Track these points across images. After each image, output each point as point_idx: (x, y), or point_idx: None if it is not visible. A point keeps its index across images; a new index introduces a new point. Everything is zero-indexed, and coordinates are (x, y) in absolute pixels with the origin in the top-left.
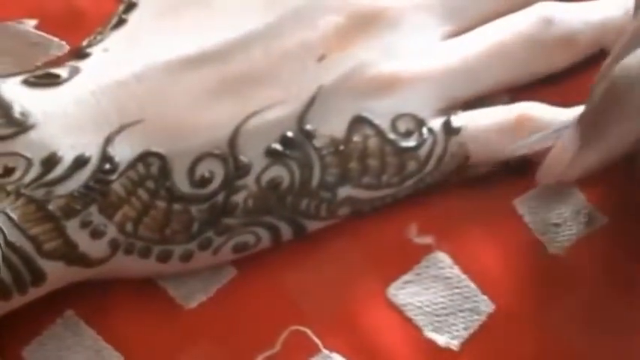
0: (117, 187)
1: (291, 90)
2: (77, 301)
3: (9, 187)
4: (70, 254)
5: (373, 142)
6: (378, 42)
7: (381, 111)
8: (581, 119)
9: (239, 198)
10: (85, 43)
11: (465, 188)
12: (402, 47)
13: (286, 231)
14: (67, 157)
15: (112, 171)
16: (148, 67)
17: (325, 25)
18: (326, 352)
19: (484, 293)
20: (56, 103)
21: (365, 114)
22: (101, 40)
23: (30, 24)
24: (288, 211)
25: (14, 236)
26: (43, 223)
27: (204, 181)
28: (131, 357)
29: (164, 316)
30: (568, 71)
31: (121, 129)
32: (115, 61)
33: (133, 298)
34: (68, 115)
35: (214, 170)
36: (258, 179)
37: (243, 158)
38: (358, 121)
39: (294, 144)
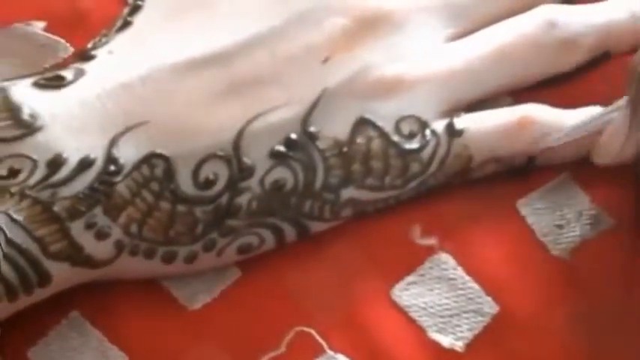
0: (121, 188)
1: (295, 92)
2: (82, 302)
3: (13, 189)
4: (76, 255)
5: (376, 144)
6: (383, 44)
7: (384, 113)
8: (630, 101)
9: (243, 200)
10: (89, 45)
11: (467, 190)
12: (406, 49)
13: (290, 232)
14: (72, 158)
15: (117, 173)
16: (153, 69)
17: (330, 28)
18: (331, 352)
19: (488, 294)
20: (61, 105)
21: (368, 116)
22: (106, 43)
23: (38, 26)
24: (292, 213)
25: (20, 237)
26: (49, 224)
27: (209, 183)
28: (136, 358)
29: (169, 316)
30: (570, 74)
31: (126, 131)
32: (119, 63)
33: (137, 299)
34: (73, 117)
35: (218, 172)
36: (262, 181)
37: (247, 160)
38: (362, 123)
39: (298, 146)
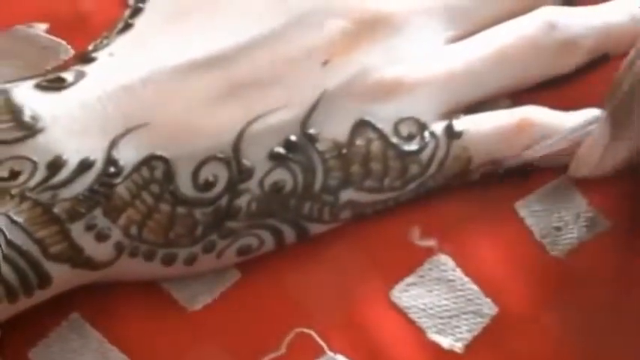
0: (121, 190)
1: (295, 94)
2: (82, 303)
3: (13, 191)
4: (76, 257)
5: (376, 146)
6: (382, 47)
7: (383, 115)
8: (610, 113)
9: (242, 201)
10: (90, 47)
11: (466, 191)
12: (405, 52)
13: (289, 234)
14: (72, 160)
15: (117, 174)
16: (154, 71)
17: (330, 30)
18: (331, 354)
19: (487, 296)
20: (61, 107)
21: (368, 118)
22: (107, 45)
23: (41, 28)
24: (291, 215)
25: (20, 239)
26: (49, 226)
27: (208, 185)
28: (136, 359)
29: (169, 318)
30: (569, 75)
31: (126, 133)
32: (120, 65)
33: (137, 300)
34: (73, 119)
35: (218, 174)
36: (261, 183)
37: (246, 162)
38: (361, 125)
39: (297, 148)
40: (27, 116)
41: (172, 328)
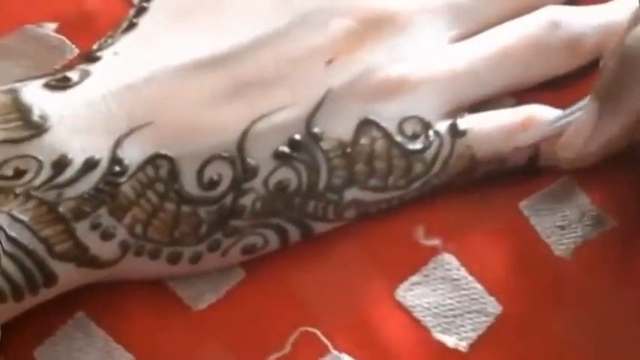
0: (126, 189)
1: (300, 93)
2: (88, 302)
3: (18, 190)
4: (81, 256)
5: (380, 145)
6: (386, 46)
7: (388, 114)
8: (597, 92)
9: (247, 200)
10: (95, 46)
11: (470, 190)
12: (409, 51)
13: (294, 233)
14: (77, 159)
15: (122, 173)
16: (158, 70)
17: (334, 29)
18: (335, 352)
19: (491, 295)
20: (67, 106)
21: (372, 117)
22: (111, 44)
23: (50, 27)
24: (296, 213)
25: (26, 238)
26: (54, 225)
27: (213, 184)
28: (142, 358)
29: (174, 317)
30: (573, 74)
31: (131, 132)
32: (125, 64)
33: (143, 299)
34: (78, 118)
35: (222, 173)
36: (265, 182)
37: (250, 161)
38: (365, 124)
39: (302, 146)
40: (36, 115)
41: (177, 326)
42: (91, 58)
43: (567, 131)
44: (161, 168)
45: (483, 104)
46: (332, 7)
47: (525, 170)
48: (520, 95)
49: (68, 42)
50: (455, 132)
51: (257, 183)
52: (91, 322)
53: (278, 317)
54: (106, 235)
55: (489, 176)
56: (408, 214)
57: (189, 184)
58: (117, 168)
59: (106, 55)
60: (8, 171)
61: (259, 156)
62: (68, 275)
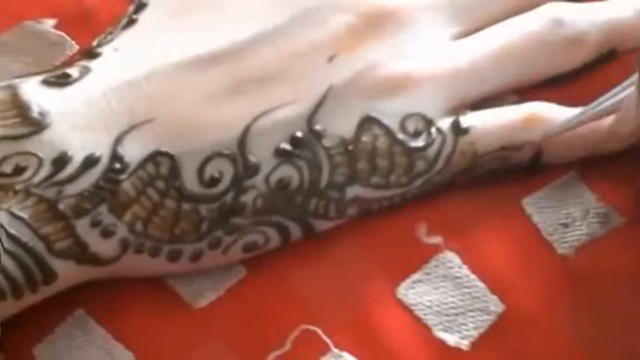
0: (127, 186)
1: (301, 90)
2: (87, 300)
3: (18, 187)
4: (81, 253)
5: (382, 142)
6: (388, 42)
7: (390, 111)
8: None
9: (248, 198)
10: (95, 43)
11: (473, 188)
12: (411, 48)
13: (295, 231)
14: (78, 156)
15: (122, 170)
16: (158, 67)
17: (336, 25)
18: (336, 351)
19: (494, 293)
20: (67, 103)
21: (374, 114)
22: (111, 40)
23: (49, 23)
24: (297, 211)
25: (25, 235)
26: (54, 222)
27: (214, 181)
28: (141, 355)
29: (174, 314)
30: (577, 72)
31: (131, 129)
32: (125, 61)
33: (143, 297)
34: (79, 115)
35: (223, 170)
36: (267, 179)
37: (252, 158)
38: (367, 121)
39: (304, 144)
40: (35, 112)
41: (178, 324)
42: (91, 54)
43: (616, 115)
44: (162, 165)
45: (485, 101)
46: (334, 3)
47: (528, 168)
48: (522, 92)
49: (68, 38)
50: (457, 129)
51: (258, 180)
52: (91, 320)
53: (279, 315)
54: (106, 233)
55: (491, 173)
56: (410, 212)
57: (189, 181)
58: (117, 165)
59: (106, 51)
60: (8, 168)
61: (260, 153)
62: (68, 273)
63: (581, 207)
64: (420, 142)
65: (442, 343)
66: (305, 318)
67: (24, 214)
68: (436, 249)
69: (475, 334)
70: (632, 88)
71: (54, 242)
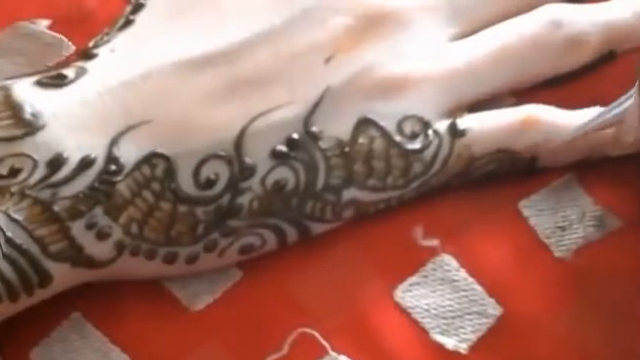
0: (122, 188)
1: (298, 91)
2: (83, 303)
3: (13, 188)
4: (76, 256)
5: (379, 144)
6: (386, 44)
7: (386, 113)
8: None
9: (244, 200)
10: (91, 43)
11: (470, 191)
12: (409, 49)
13: (292, 233)
14: (73, 158)
15: (118, 172)
16: (155, 68)
17: (333, 26)
18: (334, 354)
19: (491, 296)
20: (62, 104)
21: (371, 116)
22: (108, 41)
23: (43, 24)
24: (294, 213)
25: (20, 238)
26: (49, 224)
27: (210, 183)
28: (138, 358)
29: (171, 317)
30: (575, 73)
31: (127, 130)
32: (121, 62)
33: (139, 299)
34: (74, 116)
35: (219, 172)
36: (263, 181)
37: (248, 160)
38: (364, 123)
39: (300, 146)
40: (27, 113)
41: (174, 327)
42: (87, 55)
43: (618, 126)
44: (157, 167)
45: (483, 103)
46: (332, 4)
47: (525, 171)
48: (520, 94)
49: (64, 39)
50: (454, 131)
51: (254, 182)
52: (87, 323)
53: (276, 318)
54: (102, 235)
55: (488, 176)
56: (407, 215)
57: (185, 183)
58: (113, 167)
59: (102, 52)
60: (3, 170)
61: (257, 155)
62: (63, 275)
63: (577, 210)
64: (416, 145)
65: (440, 347)
66: (302, 321)
67: (19, 216)
68: (433, 252)
69: (473, 337)
70: (634, 98)
71: (49, 244)
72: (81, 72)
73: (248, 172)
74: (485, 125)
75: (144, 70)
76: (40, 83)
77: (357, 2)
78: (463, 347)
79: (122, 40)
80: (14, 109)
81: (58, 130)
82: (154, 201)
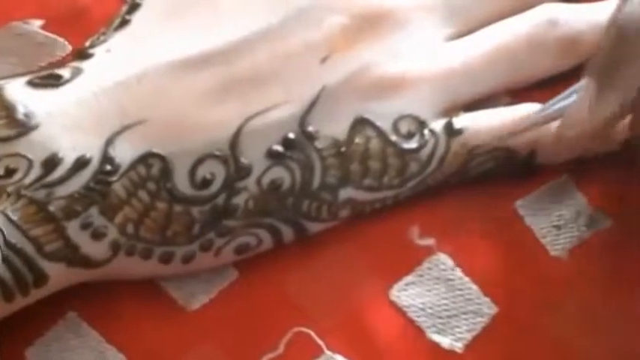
0: (118, 188)
1: (294, 91)
2: (79, 302)
3: (9, 189)
4: (72, 256)
5: (375, 144)
6: (382, 43)
7: (382, 112)
8: (594, 69)
9: (240, 199)
10: (87, 43)
11: (465, 190)
12: (405, 48)
13: (288, 233)
14: (68, 158)
15: (113, 172)
16: (151, 68)
17: (329, 26)
18: (329, 353)
19: (487, 295)
20: (58, 104)
21: (367, 115)
22: (104, 41)
23: (36, 24)
24: (290, 213)
25: (15, 237)
26: (44, 224)
27: (205, 183)
28: (134, 358)
29: (167, 317)
30: (571, 73)
31: (122, 130)
32: (117, 62)
33: (135, 299)
34: (69, 116)
35: (215, 172)
36: (258, 181)
37: (243, 160)
38: (360, 123)
39: (296, 145)
40: (20, 113)
41: (170, 327)
42: (83, 55)
43: (567, 112)
44: (153, 167)
45: (478, 103)
46: (327, 3)
47: (521, 170)
48: (515, 93)
49: (58, 39)
50: (450, 131)
51: (250, 182)
52: (83, 322)
53: (271, 317)
54: (97, 235)
55: (484, 175)
56: (403, 214)
57: (181, 183)
58: (108, 167)
59: (98, 52)
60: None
61: (252, 155)
62: (59, 275)
63: (572, 209)
64: (412, 144)
65: (436, 346)
66: (298, 320)
67: (14, 216)
68: (429, 251)
69: (469, 336)
70: (572, 98)
71: (44, 244)
72: (76, 72)
73: (244, 171)
74: (481, 124)
75: (140, 71)
76: (32, 83)
77: (353, 2)
78: (458, 346)
79: (118, 40)
80: (7, 109)
81: (52, 129)
82: (150, 201)
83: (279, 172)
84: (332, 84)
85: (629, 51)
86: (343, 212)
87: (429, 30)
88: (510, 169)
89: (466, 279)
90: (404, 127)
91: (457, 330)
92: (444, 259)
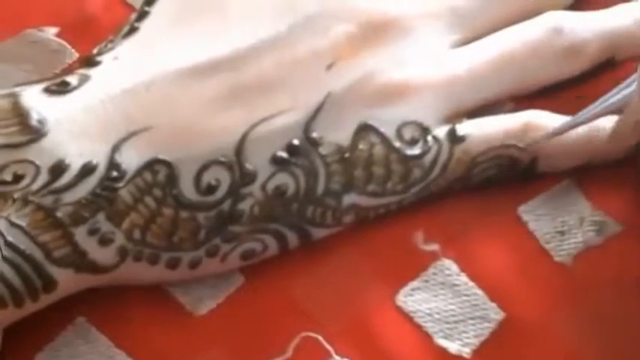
0: (124, 194)
1: (299, 97)
2: (88, 307)
3: (16, 195)
4: (80, 261)
5: (378, 150)
6: (388, 50)
7: (386, 119)
8: None
9: (245, 205)
10: (95, 50)
11: (470, 196)
12: (410, 55)
13: (292, 238)
14: (75, 164)
15: (120, 178)
16: (158, 75)
17: (335, 33)
18: (338, 357)
19: (493, 300)
20: (65, 111)
21: (371, 122)
22: (112, 49)
23: (51, 32)
24: (294, 219)
25: (24, 243)
26: (52, 230)
27: (211, 189)
28: None
29: (175, 322)
30: (574, 80)
31: (128, 136)
32: (124, 69)
33: (143, 304)
34: (76, 123)
35: (220, 178)
36: (263, 187)
37: (249, 166)
38: (364, 129)
39: (300, 152)
40: (34, 120)
41: (178, 332)
42: (90, 62)
43: (615, 122)
44: (159, 173)
45: (482, 109)
46: (333, 11)
47: (524, 176)
48: (519, 100)
49: (68, 46)
50: (454, 137)
51: (255, 188)
52: (92, 328)
53: (278, 322)
54: (105, 241)
55: (488, 181)
56: (408, 220)
57: (187, 189)
58: (114, 173)
59: (106, 59)
60: (7, 176)
61: (257, 161)
62: (67, 280)
63: (576, 215)
64: (416, 150)
65: (443, 351)
66: (305, 325)
67: (22, 222)
68: (434, 256)
69: (476, 341)
70: (626, 92)
71: (52, 250)
72: (84, 79)
73: (249, 177)
74: (485, 131)
75: (147, 78)
76: (47, 90)
77: (359, 10)
78: (466, 351)
79: (126, 48)
80: (21, 115)
81: (60, 136)
82: (156, 207)
83: (283, 178)
84: (337, 91)
85: None
86: (347, 218)
87: (434, 37)
88: (512, 176)
89: (471, 284)
90: (407, 134)
91: (464, 335)
92: (448, 265)
